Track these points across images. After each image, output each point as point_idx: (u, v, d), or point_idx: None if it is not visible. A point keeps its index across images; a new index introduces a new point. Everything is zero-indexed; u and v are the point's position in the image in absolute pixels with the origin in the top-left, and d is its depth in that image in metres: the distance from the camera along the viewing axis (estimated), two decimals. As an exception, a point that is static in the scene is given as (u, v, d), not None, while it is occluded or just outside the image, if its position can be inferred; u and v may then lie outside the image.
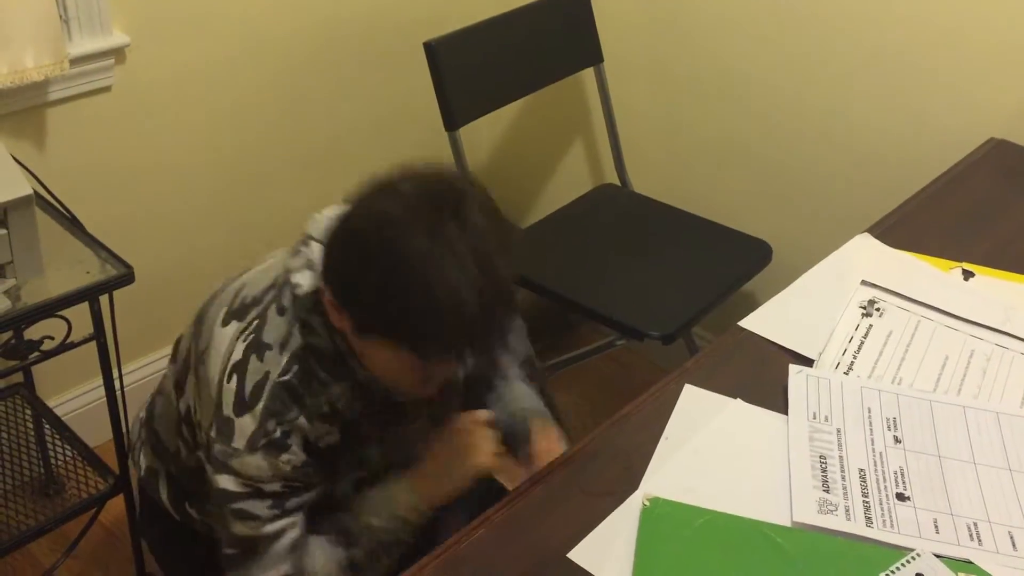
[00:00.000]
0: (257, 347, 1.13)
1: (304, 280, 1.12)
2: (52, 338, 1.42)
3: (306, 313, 1.12)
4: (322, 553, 1.18)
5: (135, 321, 1.90)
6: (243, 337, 1.14)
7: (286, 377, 1.13)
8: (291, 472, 1.13)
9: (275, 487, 1.14)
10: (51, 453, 1.81)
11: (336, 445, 1.18)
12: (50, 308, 1.36)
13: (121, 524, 1.76)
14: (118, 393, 1.53)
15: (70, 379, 1.97)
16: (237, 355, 1.14)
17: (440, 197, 1.00)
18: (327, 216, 1.13)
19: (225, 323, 1.17)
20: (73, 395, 1.98)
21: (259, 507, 1.14)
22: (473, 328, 1.01)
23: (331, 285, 1.06)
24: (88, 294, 1.40)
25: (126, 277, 1.42)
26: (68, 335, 1.42)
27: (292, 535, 1.16)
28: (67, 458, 1.75)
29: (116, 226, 1.81)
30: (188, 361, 1.24)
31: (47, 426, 1.78)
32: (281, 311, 1.14)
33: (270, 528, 1.15)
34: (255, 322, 1.15)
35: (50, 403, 1.88)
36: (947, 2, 1.74)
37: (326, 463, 1.17)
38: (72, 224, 1.52)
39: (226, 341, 1.15)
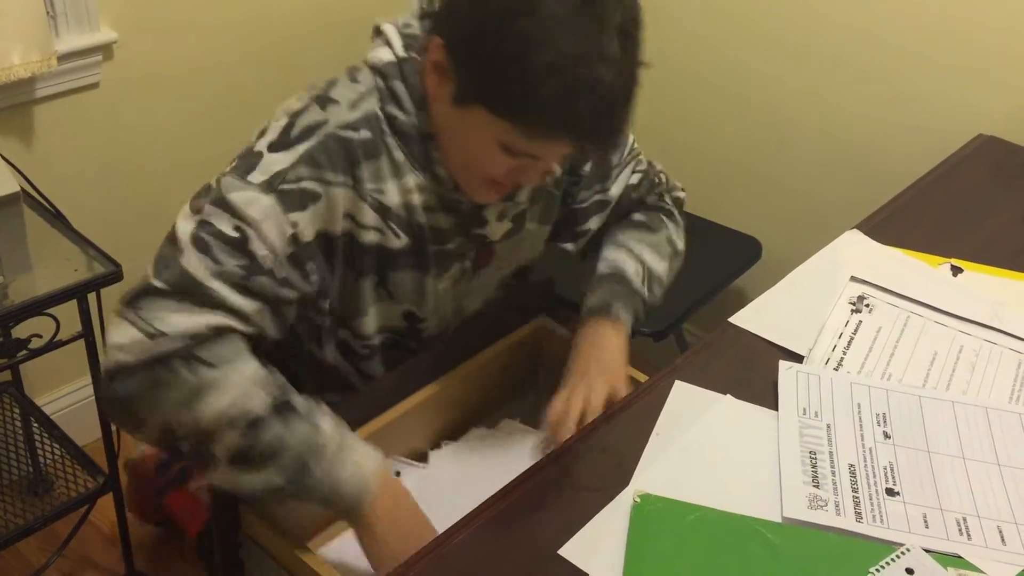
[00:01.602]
0: (320, 99, 1.04)
1: (383, 54, 1.04)
2: (40, 336, 1.41)
3: (390, 80, 1.04)
4: (241, 385, 0.97)
5: (124, 319, 1.89)
6: (309, 95, 1.05)
7: (350, 134, 1.03)
8: (285, 249, 1.00)
9: (263, 252, 0.99)
10: (40, 452, 1.80)
11: (364, 254, 1.06)
12: (38, 306, 1.36)
13: (111, 523, 1.75)
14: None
15: (58, 377, 1.96)
16: (298, 105, 1.04)
17: None
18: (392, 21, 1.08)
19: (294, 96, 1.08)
20: (62, 393, 1.97)
21: (229, 263, 0.98)
22: (599, 110, 0.95)
23: (446, 36, 0.98)
24: (76, 292, 1.39)
25: (114, 275, 1.42)
26: (56, 333, 1.41)
27: (234, 331, 0.99)
28: (56, 457, 1.74)
29: (104, 223, 1.80)
30: None
31: (35, 425, 1.77)
32: (353, 79, 1.06)
33: (239, 300, 0.98)
34: (325, 85, 1.06)
35: (38, 401, 1.87)
36: (929, 5, 1.74)
37: (327, 285, 1.05)
38: (59, 221, 1.51)
39: (291, 101, 1.06)
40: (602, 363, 1.18)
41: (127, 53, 1.77)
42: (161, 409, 0.98)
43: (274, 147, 1.01)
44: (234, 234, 0.99)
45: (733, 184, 2.15)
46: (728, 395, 1.14)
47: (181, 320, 0.97)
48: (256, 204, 0.99)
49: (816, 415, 1.12)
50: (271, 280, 1.01)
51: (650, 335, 1.77)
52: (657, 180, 1.39)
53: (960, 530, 0.99)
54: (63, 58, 1.65)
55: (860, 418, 1.12)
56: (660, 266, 1.32)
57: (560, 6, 0.92)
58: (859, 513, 1.00)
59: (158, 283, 0.99)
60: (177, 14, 1.82)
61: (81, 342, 1.44)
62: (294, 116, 1.03)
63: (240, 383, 0.98)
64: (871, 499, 1.02)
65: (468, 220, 1.16)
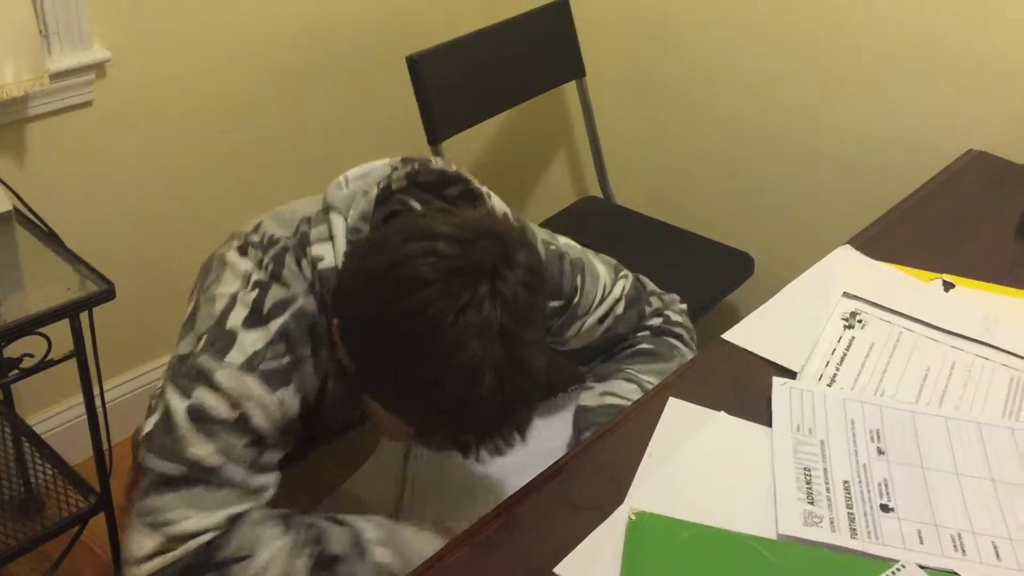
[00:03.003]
0: (279, 277, 1.02)
1: (326, 254, 1.01)
2: (32, 355, 1.41)
3: (325, 290, 1.02)
4: (278, 564, 0.98)
5: (116, 338, 1.88)
6: (265, 264, 1.03)
7: (314, 314, 1.01)
8: (279, 424, 1.00)
9: (265, 427, 0.99)
10: (31, 472, 1.79)
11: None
12: (29, 325, 1.35)
13: (103, 543, 1.74)
14: (99, 411, 1.51)
15: (50, 397, 1.95)
16: (260, 276, 1.03)
17: (478, 266, 0.89)
18: (352, 182, 1.04)
19: (243, 252, 1.05)
20: (53, 413, 1.96)
21: (238, 446, 0.97)
22: (487, 422, 0.92)
23: (340, 322, 0.98)
24: (68, 311, 1.39)
25: (107, 293, 1.41)
26: (48, 352, 1.41)
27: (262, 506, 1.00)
28: (47, 477, 1.73)
29: (97, 242, 1.80)
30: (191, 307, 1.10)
31: (27, 444, 1.76)
32: (299, 267, 1.03)
33: (257, 481, 0.99)
34: (273, 262, 1.03)
35: (30, 421, 1.86)
36: (926, 16, 1.76)
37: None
38: (52, 240, 1.51)
39: (246, 264, 1.04)
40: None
41: (121, 72, 1.78)
42: None
43: (249, 323, 1.00)
44: (232, 414, 0.98)
45: (725, 199, 2.16)
46: (722, 412, 1.15)
47: (201, 519, 0.96)
48: (242, 384, 0.98)
49: (810, 431, 1.12)
50: (278, 452, 1.02)
51: (644, 351, 1.77)
52: (650, 306, 1.32)
53: (955, 546, 0.99)
54: (56, 76, 1.65)
55: (854, 434, 1.12)
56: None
57: (434, 325, 0.88)
58: (854, 529, 1.00)
59: (169, 473, 0.97)
60: (171, 33, 1.83)
61: (73, 361, 1.44)
62: (264, 289, 1.02)
63: (277, 563, 0.98)
64: (866, 515, 1.02)
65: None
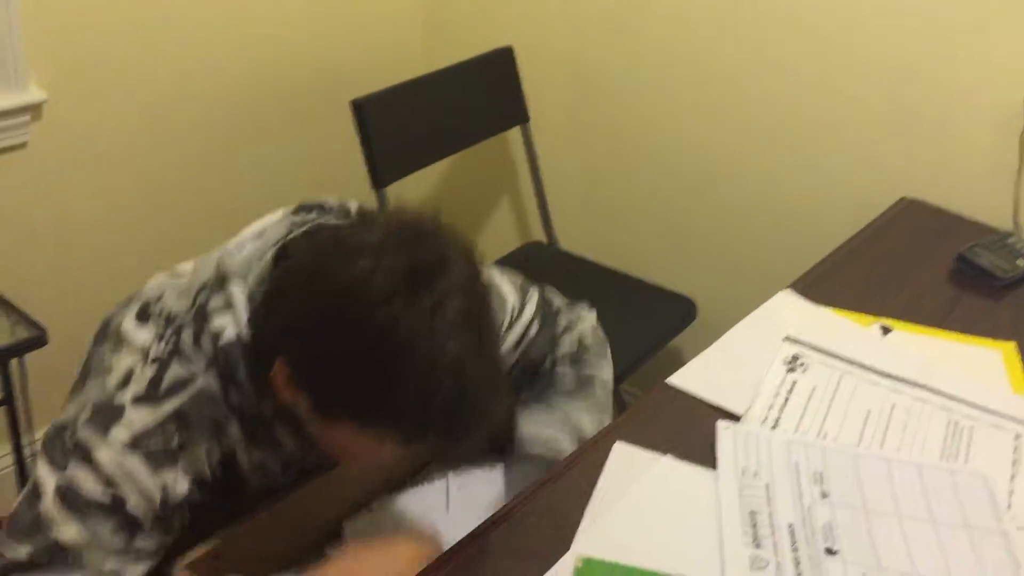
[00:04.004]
0: (180, 355, 0.97)
1: (227, 324, 0.96)
2: (-42, 403, 1.36)
3: (230, 367, 0.97)
4: None
5: (49, 385, 1.83)
6: (165, 340, 0.97)
7: (214, 392, 0.96)
8: (157, 510, 0.95)
9: (140, 512, 0.94)
10: (-45, 525, 1.72)
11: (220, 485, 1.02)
12: (-43, 372, 1.31)
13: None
14: (28, 460, 1.46)
15: (-23, 446, 1.88)
16: (158, 351, 0.97)
17: (427, 265, 0.87)
18: (248, 242, 1.00)
19: (142, 319, 0.99)
20: (-20, 463, 1.89)
21: (105, 531, 0.92)
22: (473, 410, 0.90)
23: (289, 359, 0.91)
24: (-2, 357, 1.35)
25: (37, 339, 1.38)
26: (-24, 400, 1.36)
27: None
28: (-28, 530, 1.66)
29: (29, 287, 1.75)
30: (81, 375, 1.03)
31: (-49, 496, 1.70)
32: (198, 345, 0.98)
33: (129, 571, 0.93)
34: (174, 338, 0.98)
35: (-45, 472, 1.79)
36: (856, 69, 1.81)
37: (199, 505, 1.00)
38: (-18, 284, 1.47)
39: (144, 335, 0.98)
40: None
41: (57, 113, 1.75)
42: None
43: (140, 399, 0.95)
44: (105, 499, 0.92)
45: (668, 245, 2.18)
46: (668, 455, 1.14)
47: None
48: (123, 466, 0.93)
49: (755, 474, 1.12)
50: (152, 539, 0.97)
51: (588, 396, 1.76)
52: (559, 326, 1.29)
53: (899, 588, 1.00)
54: (-10, 118, 1.62)
55: (799, 477, 1.13)
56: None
57: (412, 323, 0.85)
58: (800, 573, 1.00)
59: (18, 555, 0.92)
60: (108, 75, 1.81)
61: (2, 409, 1.39)
62: (163, 366, 0.96)
63: None
64: (811, 558, 1.02)
65: (318, 464, 1.12)
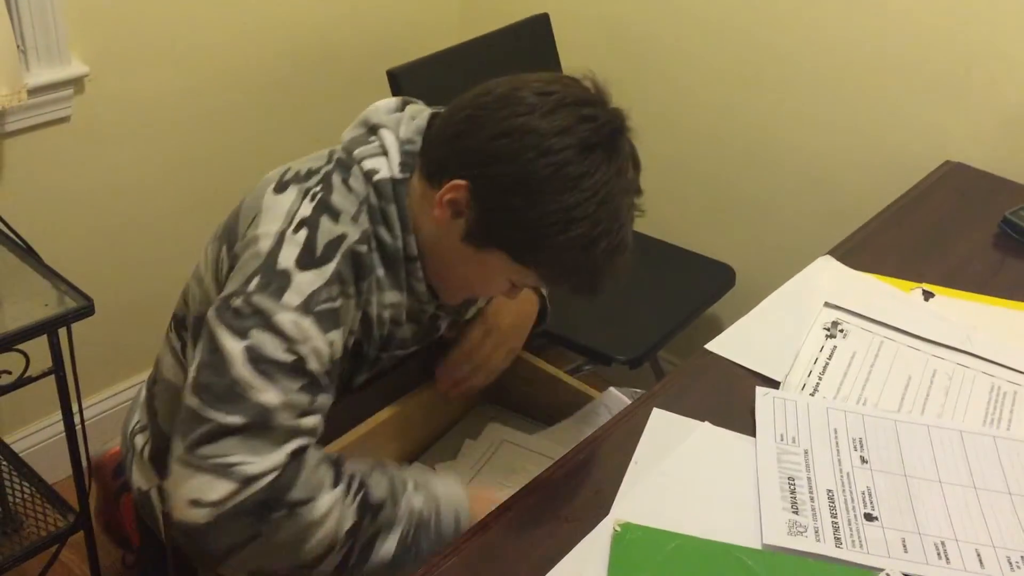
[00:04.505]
0: (327, 208, 1.03)
1: (380, 166, 1.04)
2: (9, 372, 1.39)
3: (382, 204, 1.04)
4: (334, 513, 1.00)
5: (95, 354, 1.87)
6: (310, 196, 1.04)
7: (361, 249, 1.03)
8: (328, 366, 1.01)
9: (318, 370, 1.00)
10: (8, 491, 1.77)
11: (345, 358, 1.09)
12: (7, 342, 1.34)
13: (82, 562, 1.72)
14: (78, 428, 1.50)
15: (28, 414, 1.93)
16: (305, 211, 1.02)
17: (617, 126, 1.03)
18: (392, 109, 1.10)
19: (280, 190, 1.05)
20: (31, 431, 1.94)
21: (293, 390, 0.98)
22: (622, 266, 1.03)
23: (475, 184, 0.99)
24: (46, 327, 1.37)
25: (85, 309, 1.40)
26: (26, 369, 1.39)
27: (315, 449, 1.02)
28: (25, 495, 1.71)
29: (75, 258, 1.78)
30: (216, 262, 1.11)
31: (4, 463, 1.74)
32: (347, 186, 1.04)
33: (309, 421, 0.99)
34: (320, 186, 1.04)
35: (7, 439, 1.84)
36: (900, 30, 1.77)
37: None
38: (29, 256, 1.49)
39: (287, 202, 1.03)
40: (504, 329, 1.26)
41: (99, 87, 1.77)
42: (266, 556, 1.00)
43: (303, 263, 1.00)
44: (290, 358, 0.98)
45: (707, 213, 2.17)
46: (706, 422, 1.15)
47: (265, 461, 0.97)
48: (300, 327, 0.99)
49: (794, 441, 1.12)
50: (327, 395, 1.04)
51: (626, 363, 1.77)
52: None
53: (939, 554, 0.99)
54: (34, 92, 1.64)
55: (837, 443, 1.12)
56: None
57: (597, 177, 0.98)
58: (838, 538, 1.00)
59: (233, 421, 0.97)
60: (149, 48, 1.82)
61: (51, 378, 1.42)
62: (313, 228, 1.02)
63: (333, 511, 1.00)
64: (850, 524, 1.02)
65: (426, 329, 1.19)
